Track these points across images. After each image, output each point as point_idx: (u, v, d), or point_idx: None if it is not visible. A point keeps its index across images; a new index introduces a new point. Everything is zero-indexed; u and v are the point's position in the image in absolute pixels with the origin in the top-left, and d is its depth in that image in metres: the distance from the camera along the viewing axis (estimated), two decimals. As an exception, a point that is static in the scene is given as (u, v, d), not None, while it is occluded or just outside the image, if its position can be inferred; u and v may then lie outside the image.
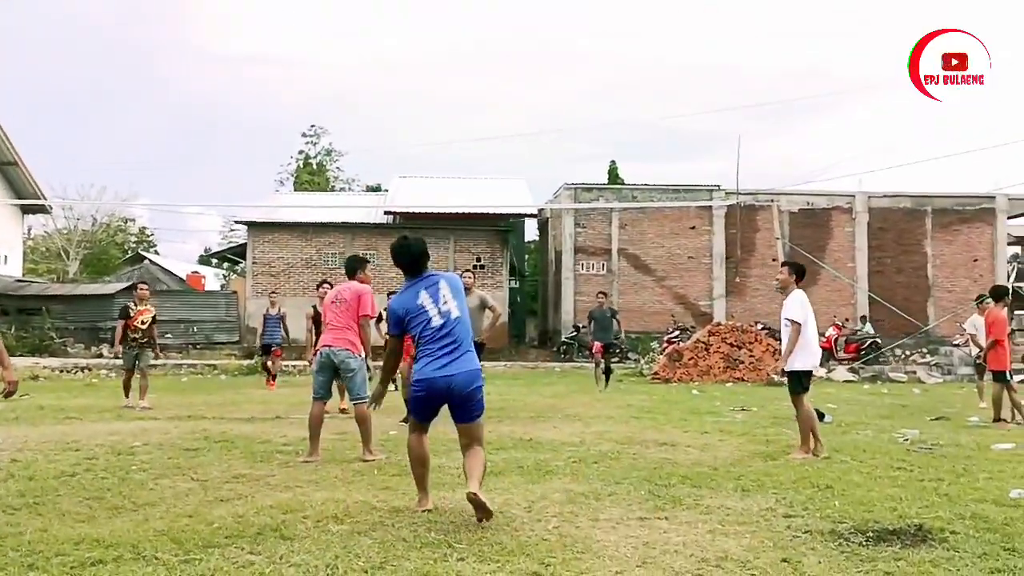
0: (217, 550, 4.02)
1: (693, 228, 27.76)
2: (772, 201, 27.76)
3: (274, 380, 15.55)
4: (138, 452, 7.15)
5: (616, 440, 8.08)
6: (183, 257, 56.88)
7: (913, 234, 28.13)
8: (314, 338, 11.25)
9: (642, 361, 22.60)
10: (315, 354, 7.30)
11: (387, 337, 5.10)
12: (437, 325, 4.80)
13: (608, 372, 15.03)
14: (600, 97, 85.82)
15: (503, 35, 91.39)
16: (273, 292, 16.36)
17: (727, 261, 27.42)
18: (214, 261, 49.83)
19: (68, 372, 19.43)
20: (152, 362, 12.17)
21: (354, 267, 7.59)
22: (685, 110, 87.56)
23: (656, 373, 18.72)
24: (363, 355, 7.15)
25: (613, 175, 39.58)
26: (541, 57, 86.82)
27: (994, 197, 28.41)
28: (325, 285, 11.62)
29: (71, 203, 40.22)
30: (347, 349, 7.01)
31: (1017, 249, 39.54)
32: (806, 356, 7.27)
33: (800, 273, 7.57)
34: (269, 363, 15.67)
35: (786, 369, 7.30)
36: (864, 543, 4.23)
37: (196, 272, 46.50)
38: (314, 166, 52.29)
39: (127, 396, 11.52)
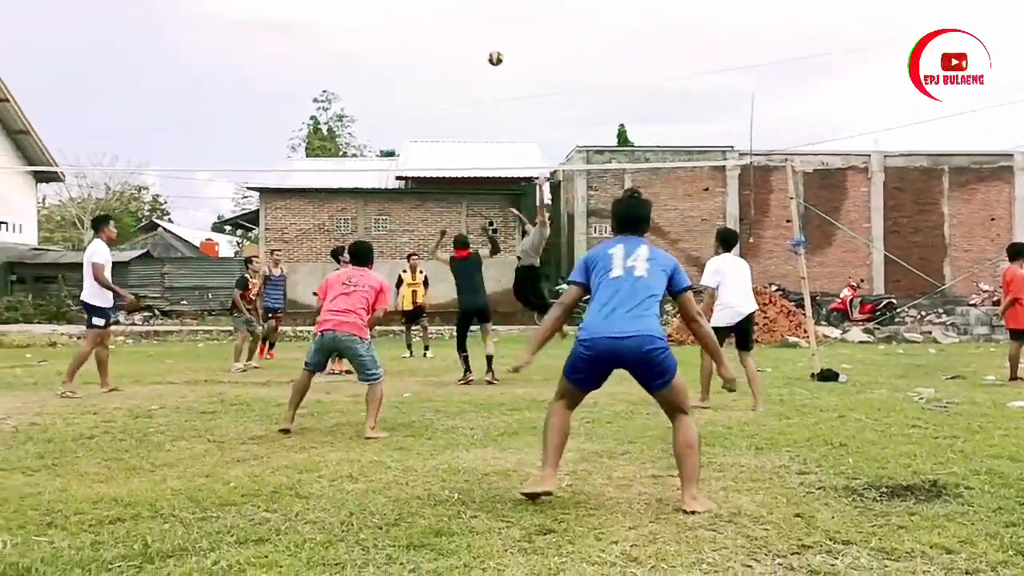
0: (234, 508, 4.07)
1: (706, 190, 27.55)
2: (786, 161, 27.40)
3: (272, 348, 14.36)
4: (155, 415, 7.22)
5: (629, 401, 8.08)
6: (196, 225, 57.19)
7: (930, 193, 27.81)
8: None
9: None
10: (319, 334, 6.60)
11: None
12: (615, 276, 4.23)
13: None
14: (606, 58, 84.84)
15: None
16: (276, 250, 15.20)
17: (741, 223, 27.22)
18: (227, 228, 50.04)
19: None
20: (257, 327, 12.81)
21: (365, 254, 6.93)
22: (691, 72, 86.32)
23: (670, 335, 18.70)
24: (369, 338, 6.61)
25: (623, 138, 39.20)
26: (547, 18, 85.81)
27: (1012, 155, 28.00)
28: (414, 257, 13.63)
29: (83, 170, 40.48)
30: (354, 335, 6.44)
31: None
32: (721, 314, 8.12)
33: (725, 240, 8.27)
34: (267, 331, 13.86)
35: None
36: (878, 498, 4.22)
37: (210, 239, 46.78)
38: (324, 132, 52.19)
39: (238, 359, 12.12)
